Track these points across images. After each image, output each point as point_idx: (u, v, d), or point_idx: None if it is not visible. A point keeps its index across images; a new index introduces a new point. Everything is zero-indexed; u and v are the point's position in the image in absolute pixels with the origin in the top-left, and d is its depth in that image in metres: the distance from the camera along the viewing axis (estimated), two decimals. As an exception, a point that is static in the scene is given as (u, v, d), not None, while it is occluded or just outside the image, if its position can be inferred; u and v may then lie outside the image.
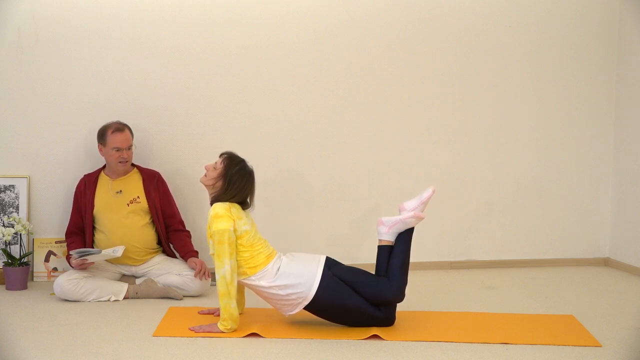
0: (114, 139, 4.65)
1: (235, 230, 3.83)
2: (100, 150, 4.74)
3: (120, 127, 4.69)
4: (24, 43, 4.91)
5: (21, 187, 4.96)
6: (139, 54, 5.04)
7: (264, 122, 5.23)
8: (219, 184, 3.93)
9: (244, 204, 3.98)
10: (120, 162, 4.69)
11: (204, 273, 4.62)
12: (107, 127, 4.71)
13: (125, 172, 4.79)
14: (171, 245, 4.89)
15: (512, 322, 4.12)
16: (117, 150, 4.66)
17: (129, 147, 4.70)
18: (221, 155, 4.00)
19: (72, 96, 4.99)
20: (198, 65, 5.11)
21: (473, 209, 5.53)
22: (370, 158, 5.38)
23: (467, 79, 5.44)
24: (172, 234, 4.86)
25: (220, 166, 3.94)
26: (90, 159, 4.99)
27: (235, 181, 3.89)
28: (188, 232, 4.91)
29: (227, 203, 3.88)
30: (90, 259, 4.46)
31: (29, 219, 4.97)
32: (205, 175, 3.98)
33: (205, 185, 4.00)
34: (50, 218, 5.01)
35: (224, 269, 3.79)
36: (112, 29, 4.99)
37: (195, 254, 4.78)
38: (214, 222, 3.81)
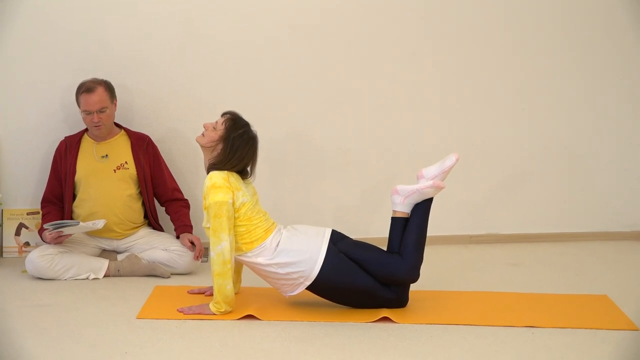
0: (83, 101, 4.60)
1: (233, 203, 3.80)
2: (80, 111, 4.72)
3: (91, 87, 4.61)
4: (-10, -11, 4.87)
5: (-11, 152, 4.95)
6: (123, 1, 4.97)
7: (264, 78, 5.19)
8: (219, 147, 3.89)
9: (244, 173, 3.96)
10: (94, 126, 4.64)
11: (201, 253, 4.61)
12: (79, 87, 4.66)
13: (112, 134, 4.76)
14: (159, 220, 4.88)
15: (539, 303, 4.11)
16: (88, 114, 4.61)
17: (102, 110, 4.62)
18: (223, 114, 3.96)
19: (48, 50, 4.94)
20: (190, 14, 5.05)
21: (495, 177, 5.51)
22: (382, 120, 5.35)
23: (487, 32, 5.37)
24: (168, 204, 4.85)
25: (221, 127, 3.90)
26: (69, 120, 4.97)
27: (236, 147, 3.86)
28: (186, 200, 4.90)
29: (226, 172, 3.85)
30: (66, 231, 4.44)
31: (-3, 188, 4.97)
32: (203, 135, 3.94)
33: (202, 147, 3.95)
34: (22, 186, 4.99)
35: (220, 245, 3.76)
36: (90, -27, 4.96)
37: (189, 229, 4.75)
38: (211, 193, 3.78)
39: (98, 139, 4.74)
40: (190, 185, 5.11)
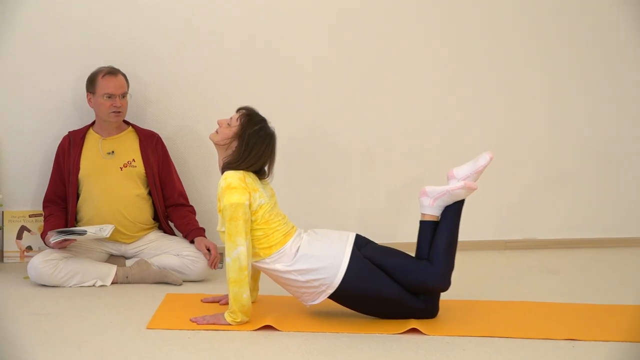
0: (105, 84, 4.62)
1: (250, 205, 3.77)
2: (89, 100, 4.71)
3: (113, 71, 4.68)
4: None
5: (-11, 150, 4.97)
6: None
7: (282, 73, 5.20)
8: (234, 145, 3.88)
9: (261, 173, 3.93)
10: (113, 112, 4.64)
11: (216, 261, 4.60)
12: (97, 72, 4.70)
13: (119, 129, 4.75)
14: (170, 223, 4.86)
15: (579, 314, 4.09)
16: (109, 97, 4.62)
17: (123, 95, 4.68)
18: (238, 110, 3.95)
19: (49, 49, 4.96)
20: (203, 4, 5.06)
21: (532, 178, 5.50)
22: (408, 117, 5.35)
23: (522, 27, 5.38)
24: (171, 210, 4.84)
25: (236, 123, 3.89)
26: (75, 116, 4.97)
27: (252, 145, 3.84)
28: (191, 207, 4.89)
29: (242, 172, 3.83)
30: (72, 238, 4.42)
31: (-2, 189, 4.99)
32: (217, 132, 3.93)
33: (216, 145, 3.95)
34: (23, 187, 5.01)
35: (237, 250, 3.74)
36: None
37: (202, 232, 4.75)
38: (226, 194, 3.76)
39: (105, 133, 4.73)
40: (204, 186, 5.11)
